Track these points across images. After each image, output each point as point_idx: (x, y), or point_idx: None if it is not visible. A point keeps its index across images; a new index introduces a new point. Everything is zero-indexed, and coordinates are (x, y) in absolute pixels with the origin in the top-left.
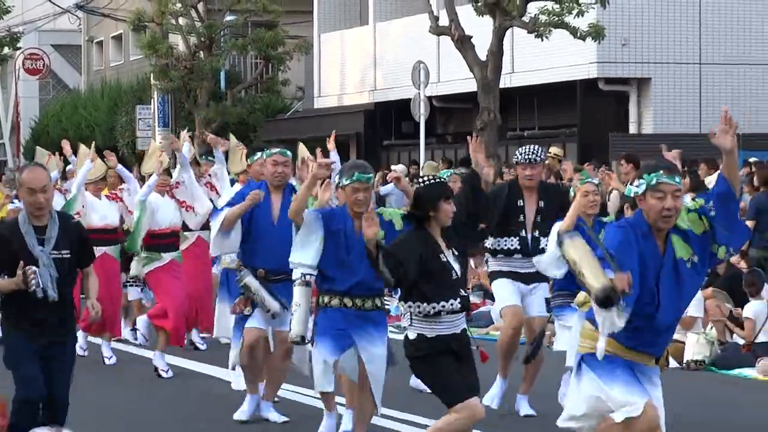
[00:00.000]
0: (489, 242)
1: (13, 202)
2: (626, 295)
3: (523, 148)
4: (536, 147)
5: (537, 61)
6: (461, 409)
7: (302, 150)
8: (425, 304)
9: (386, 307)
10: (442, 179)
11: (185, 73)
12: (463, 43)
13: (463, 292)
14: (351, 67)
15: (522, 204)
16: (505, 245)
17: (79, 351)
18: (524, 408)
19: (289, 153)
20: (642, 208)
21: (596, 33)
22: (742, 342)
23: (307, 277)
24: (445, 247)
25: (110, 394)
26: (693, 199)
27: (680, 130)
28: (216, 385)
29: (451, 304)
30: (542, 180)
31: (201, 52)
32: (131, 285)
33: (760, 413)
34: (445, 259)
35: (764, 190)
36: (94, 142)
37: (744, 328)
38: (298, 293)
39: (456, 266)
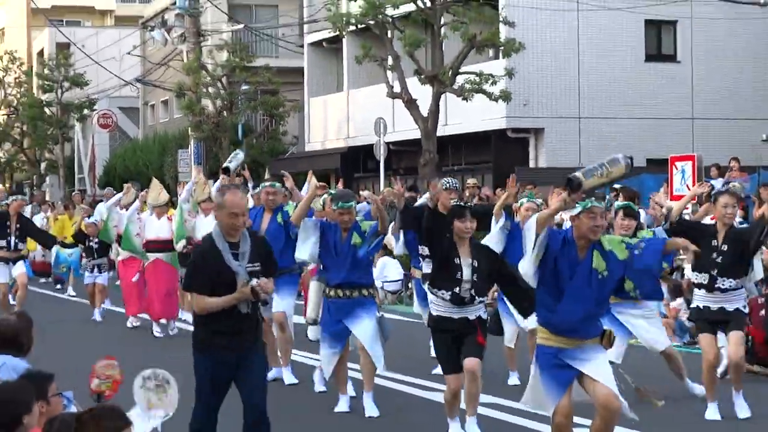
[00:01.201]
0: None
1: (86, 218)
2: (569, 205)
3: (447, 179)
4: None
5: (463, 116)
6: (446, 380)
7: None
8: (431, 287)
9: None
10: (460, 203)
11: (213, 126)
12: (411, 104)
13: (457, 290)
14: (331, 121)
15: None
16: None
17: (156, 334)
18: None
19: (278, 185)
20: (575, 225)
21: (505, 96)
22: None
23: (322, 276)
24: (467, 254)
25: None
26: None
27: (565, 165)
28: None
29: (442, 293)
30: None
31: (225, 111)
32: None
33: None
34: (457, 261)
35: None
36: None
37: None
38: (313, 287)
39: (465, 270)
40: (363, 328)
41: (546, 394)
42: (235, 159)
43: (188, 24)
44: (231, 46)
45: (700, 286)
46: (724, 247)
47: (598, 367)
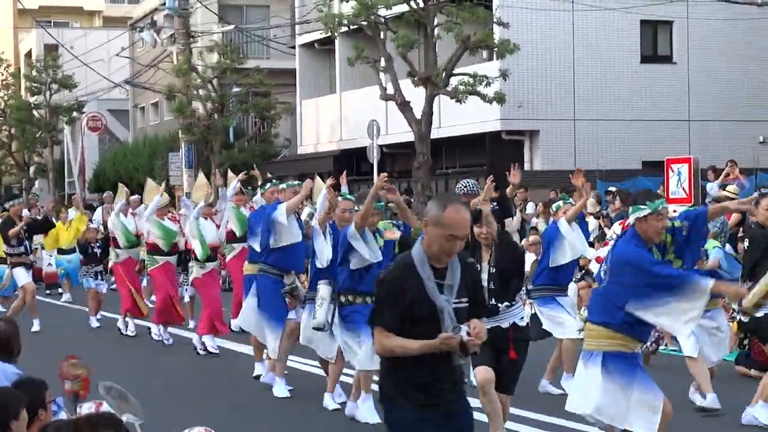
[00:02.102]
0: None
1: (91, 221)
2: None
3: (465, 181)
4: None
5: (457, 118)
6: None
7: (318, 182)
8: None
9: None
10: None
11: (204, 129)
12: (404, 107)
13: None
14: (324, 124)
15: None
16: None
17: (155, 337)
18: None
19: (301, 184)
20: (642, 227)
21: (500, 98)
22: None
23: (331, 279)
24: (487, 261)
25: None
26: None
27: (560, 167)
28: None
29: None
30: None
31: (215, 114)
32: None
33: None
34: (479, 269)
35: (624, 210)
36: (164, 182)
37: None
38: (324, 290)
39: (485, 276)
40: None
41: (647, 389)
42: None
43: (178, 25)
44: (221, 47)
45: None
46: None
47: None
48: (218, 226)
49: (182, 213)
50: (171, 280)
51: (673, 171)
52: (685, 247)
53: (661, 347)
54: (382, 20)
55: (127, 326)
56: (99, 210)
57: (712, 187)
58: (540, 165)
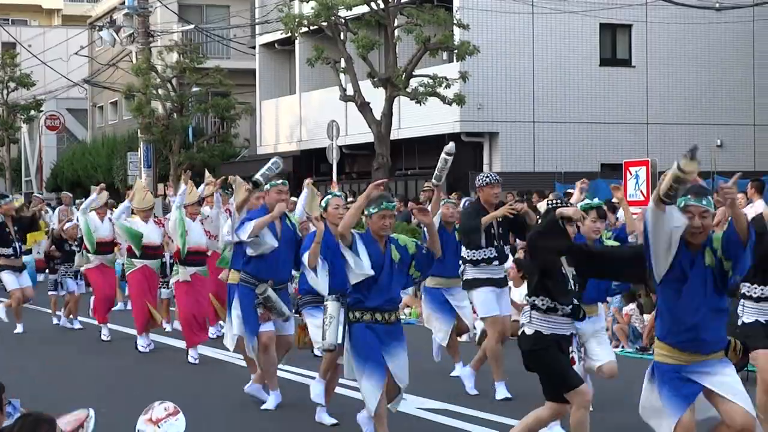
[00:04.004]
0: (469, 254)
1: (47, 211)
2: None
3: (486, 172)
4: (493, 172)
5: (417, 120)
6: (575, 396)
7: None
8: (547, 300)
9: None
10: (566, 203)
11: (163, 129)
12: (364, 108)
13: (576, 301)
14: (283, 124)
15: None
16: (484, 255)
17: (140, 349)
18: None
19: (287, 183)
20: None
21: (459, 100)
22: None
23: (338, 295)
24: (566, 264)
25: (155, 373)
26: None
27: (519, 169)
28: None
29: (563, 308)
30: None
31: (174, 114)
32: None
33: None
34: (564, 271)
35: None
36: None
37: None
38: (332, 308)
39: (571, 280)
40: (400, 365)
41: (666, 410)
42: (271, 171)
43: (137, 24)
44: (181, 47)
45: (759, 298)
46: None
47: (729, 383)
48: (208, 233)
49: (167, 217)
50: (149, 285)
51: (631, 174)
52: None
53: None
54: (343, 21)
55: (101, 331)
56: (56, 211)
57: None
58: (499, 167)
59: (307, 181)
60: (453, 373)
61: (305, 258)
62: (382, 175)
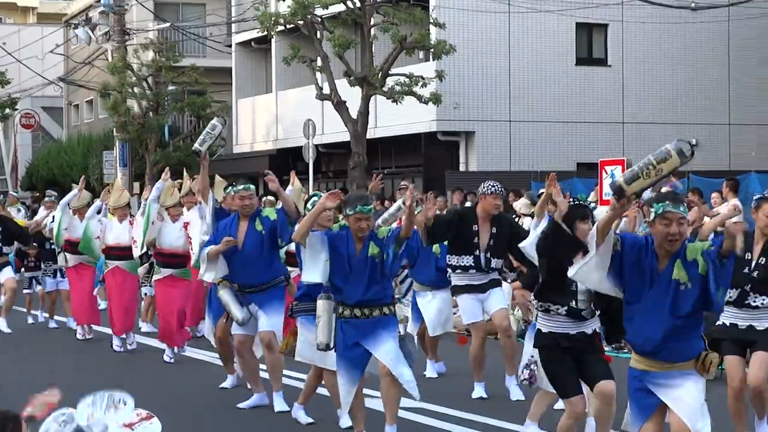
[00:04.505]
0: (450, 259)
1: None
2: (623, 209)
3: (490, 182)
4: (496, 182)
5: (393, 119)
6: (566, 404)
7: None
8: (543, 302)
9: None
10: (583, 202)
11: (139, 127)
12: (340, 106)
13: (573, 303)
14: (259, 123)
15: (477, 229)
16: (462, 262)
17: (116, 348)
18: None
19: (252, 187)
20: (653, 234)
21: (435, 99)
22: None
23: (329, 293)
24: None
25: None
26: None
27: (496, 168)
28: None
29: (557, 309)
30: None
31: (150, 112)
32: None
33: None
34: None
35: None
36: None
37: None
38: (321, 306)
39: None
40: (386, 350)
41: (632, 416)
42: (209, 136)
43: (113, 22)
44: (157, 45)
45: (727, 302)
46: (762, 260)
47: (682, 397)
48: (190, 240)
49: (136, 218)
50: (126, 285)
51: (606, 173)
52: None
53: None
54: (319, 20)
55: (84, 330)
56: (41, 211)
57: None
58: (475, 166)
59: (294, 179)
60: (425, 372)
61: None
62: (358, 173)
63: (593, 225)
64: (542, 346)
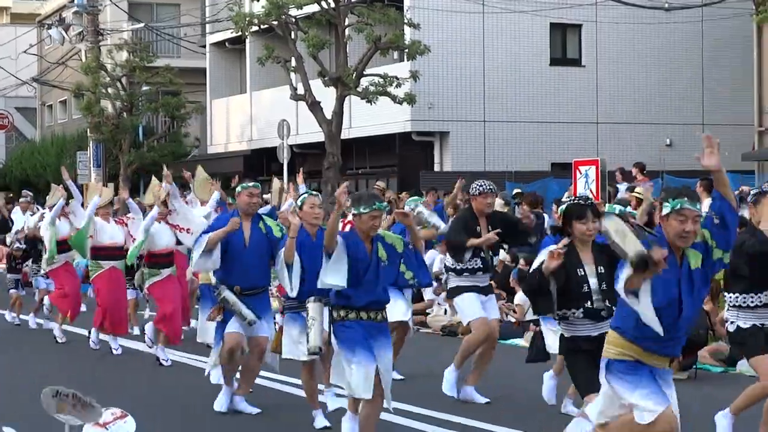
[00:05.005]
0: (452, 263)
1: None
2: (661, 268)
3: (481, 181)
4: (489, 181)
5: (367, 119)
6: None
7: (200, 171)
8: (559, 310)
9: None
10: (584, 200)
11: (113, 128)
12: (314, 107)
13: (589, 304)
14: (234, 123)
15: (479, 230)
16: (469, 265)
17: (92, 345)
18: (477, 397)
19: (260, 186)
20: (664, 227)
21: (410, 99)
22: (513, 320)
23: (322, 296)
24: (590, 261)
25: (118, 377)
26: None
27: (470, 168)
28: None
29: (573, 313)
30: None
31: (124, 113)
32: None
33: (526, 370)
34: (582, 273)
35: (530, 210)
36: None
37: (516, 311)
38: (314, 309)
39: (592, 280)
40: (385, 364)
41: (648, 395)
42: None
43: (87, 22)
44: (131, 45)
45: (756, 307)
46: None
47: (674, 398)
48: (176, 227)
49: (131, 216)
50: (116, 286)
51: (580, 173)
52: (724, 234)
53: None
54: (293, 20)
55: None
56: (17, 211)
57: (621, 190)
58: (450, 166)
59: (276, 181)
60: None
61: (281, 253)
62: (333, 174)
63: (594, 223)
64: (567, 350)
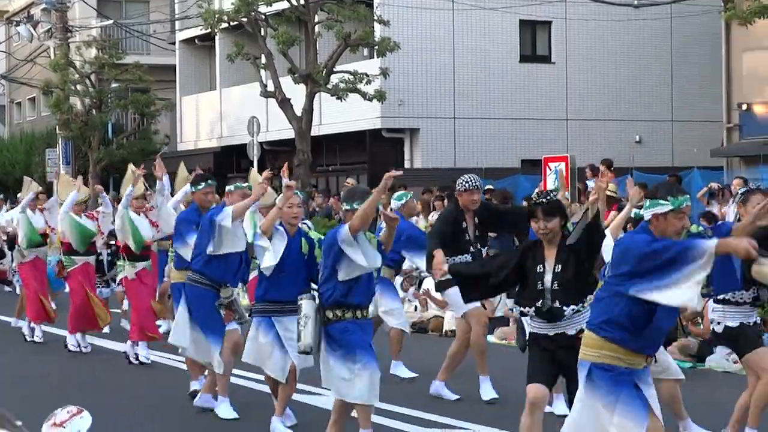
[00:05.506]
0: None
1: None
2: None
3: (467, 176)
4: (475, 176)
5: (338, 116)
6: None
7: (182, 169)
8: (518, 306)
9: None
10: (540, 198)
11: (82, 125)
12: (284, 104)
13: (539, 303)
14: (204, 120)
15: (465, 225)
16: (460, 260)
17: (71, 348)
18: (447, 393)
19: (215, 182)
20: (660, 225)
21: (380, 96)
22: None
23: (314, 292)
24: (552, 259)
25: (117, 377)
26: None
27: (440, 165)
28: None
29: (528, 310)
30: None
31: (93, 110)
32: (101, 286)
33: (493, 366)
34: (540, 270)
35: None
36: (80, 176)
37: (486, 306)
38: (308, 307)
39: (547, 278)
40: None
41: (629, 414)
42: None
43: (55, 19)
44: (100, 42)
45: (744, 302)
46: None
47: (654, 397)
48: (152, 223)
49: (101, 211)
50: (90, 282)
51: (550, 169)
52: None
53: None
54: (263, 17)
55: (33, 332)
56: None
57: (590, 186)
58: (420, 163)
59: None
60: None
61: (261, 223)
62: (303, 171)
63: (546, 222)
64: (530, 343)
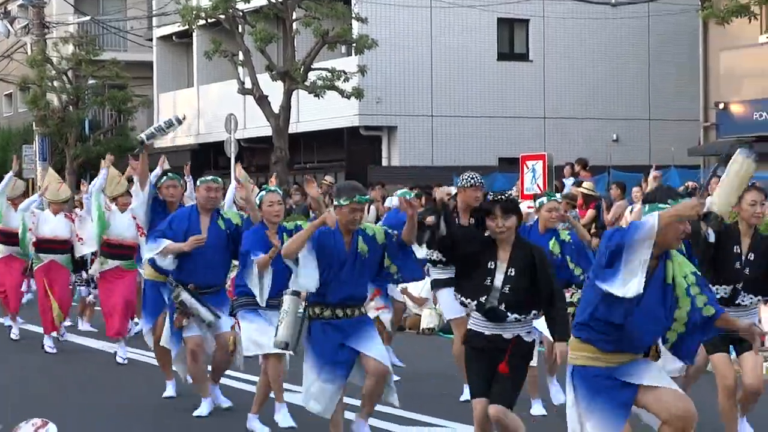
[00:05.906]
0: (428, 253)
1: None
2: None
3: (469, 174)
4: (476, 174)
5: (315, 113)
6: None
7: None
8: (459, 295)
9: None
10: (498, 197)
11: (59, 121)
12: (262, 101)
13: (483, 299)
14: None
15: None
16: (441, 256)
17: (48, 349)
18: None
19: (220, 180)
20: (661, 230)
21: (358, 93)
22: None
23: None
24: (505, 261)
25: (116, 378)
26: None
27: (418, 163)
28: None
29: (469, 303)
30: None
31: (70, 106)
32: (79, 285)
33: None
34: (492, 266)
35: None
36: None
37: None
38: (288, 302)
39: (499, 276)
40: (378, 348)
41: (602, 422)
42: (160, 131)
43: (32, 15)
44: (77, 38)
45: (720, 299)
46: (751, 256)
47: (657, 374)
48: (138, 226)
49: (79, 214)
50: (56, 281)
51: (528, 167)
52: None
53: None
54: (241, 14)
55: (10, 330)
56: None
57: (567, 185)
58: (398, 161)
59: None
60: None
61: (255, 262)
62: (280, 168)
63: (503, 220)
64: (466, 342)
